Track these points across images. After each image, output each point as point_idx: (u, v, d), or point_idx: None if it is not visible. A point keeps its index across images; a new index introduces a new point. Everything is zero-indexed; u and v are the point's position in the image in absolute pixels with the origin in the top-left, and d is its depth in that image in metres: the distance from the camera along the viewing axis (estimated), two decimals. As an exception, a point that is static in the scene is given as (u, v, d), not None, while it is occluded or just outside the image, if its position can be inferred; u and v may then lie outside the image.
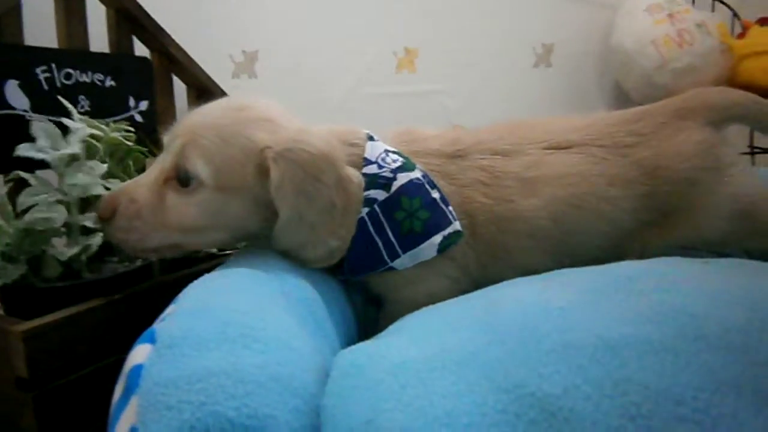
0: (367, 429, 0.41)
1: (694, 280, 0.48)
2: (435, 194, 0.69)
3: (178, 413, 0.41)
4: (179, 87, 1.22)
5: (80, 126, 0.77)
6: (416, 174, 0.70)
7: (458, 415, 0.38)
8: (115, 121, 0.97)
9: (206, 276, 0.63)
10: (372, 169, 0.70)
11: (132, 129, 0.88)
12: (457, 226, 0.69)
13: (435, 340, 0.49)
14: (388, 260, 0.69)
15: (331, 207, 0.65)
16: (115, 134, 0.88)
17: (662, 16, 1.52)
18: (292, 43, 1.59)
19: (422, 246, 0.68)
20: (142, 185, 0.67)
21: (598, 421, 0.35)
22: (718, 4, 1.77)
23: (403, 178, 0.69)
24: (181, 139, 0.66)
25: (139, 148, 0.92)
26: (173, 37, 1.20)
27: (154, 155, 1.05)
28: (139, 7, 1.07)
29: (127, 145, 0.89)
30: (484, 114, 1.73)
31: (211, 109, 0.70)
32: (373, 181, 0.69)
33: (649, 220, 0.74)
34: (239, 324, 0.52)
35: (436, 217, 0.69)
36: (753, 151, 1.70)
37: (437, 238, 0.68)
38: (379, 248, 0.69)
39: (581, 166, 0.73)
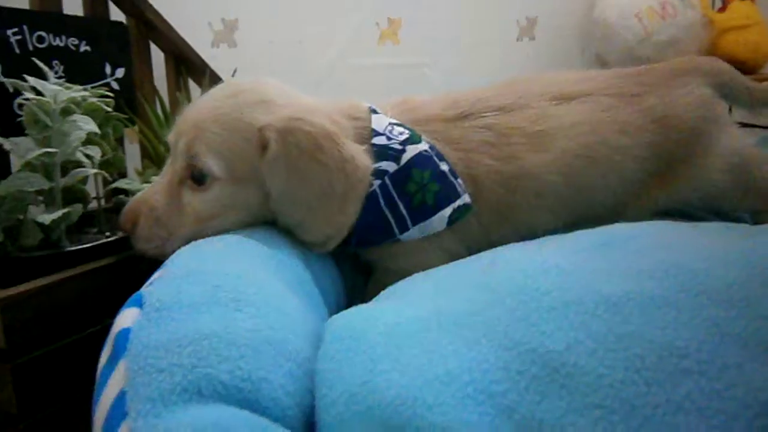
0: (363, 390, 0.40)
1: (690, 239, 0.48)
2: (444, 166, 0.68)
3: (169, 376, 0.40)
4: (158, 55, 1.18)
5: (58, 90, 0.73)
6: (424, 146, 0.68)
7: (458, 373, 0.38)
8: (92, 88, 0.94)
9: (195, 242, 0.61)
10: (381, 140, 0.68)
11: (111, 95, 0.85)
12: (466, 198, 0.68)
13: (429, 303, 0.48)
14: (398, 233, 0.68)
15: (330, 190, 0.63)
16: (94, 99, 0.84)
17: (646, -12, 1.52)
18: (273, 12, 1.54)
19: (432, 219, 0.67)
20: (157, 191, 0.66)
21: (603, 374, 0.35)
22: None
23: (412, 150, 0.68)
24: (185, 137, 0.65)
25: (119, 115, 0.89)
26: (154, 5, 1.15)
27: (133, 123, 1.02)
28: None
29: (107, 111, 0.85)
30: (468, 86, 1.71)
31: (208, 100, 0.67)
32: (382, 152, 0.67)
33: (655, 170, 0.75)
34: (231, 288, 0.51)
35: (446, 189, 0.67)
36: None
37: (447, 211, 0.67)
38: (390, 222, 0.67)
39: (591, 114, 0.73)
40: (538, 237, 0.62)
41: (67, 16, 0.96)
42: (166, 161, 0.70)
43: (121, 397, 0.38)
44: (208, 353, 0.42)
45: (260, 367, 0.44)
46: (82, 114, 0.81)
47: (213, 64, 1.40)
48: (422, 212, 0.67)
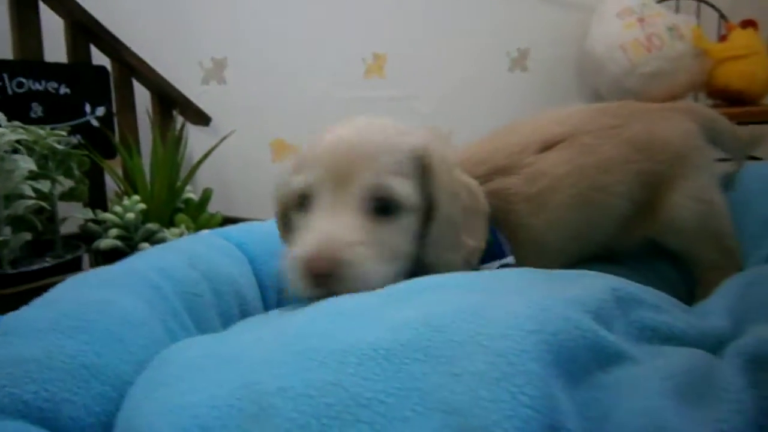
0: (129, 416, 0.46)
1: (461, 295, 0.51)
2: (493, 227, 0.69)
3: (-17, 392, 0.47)
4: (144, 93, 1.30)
5: (4, 131, 0.85)
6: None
7: (193, 406, 0.43)
8: (70, 126, 1.06)
9: (89, 271, 0.69)
10: None
11: (64, 134, 0.96)
12: (511, 260, 0.68)
13: (233, 338, 0.53)
14: None
15: (465, 207, 0.64)
16: (52, 139, 0.96)
17: (632, 20, 1.50)
18: (261, 50, 1.64)
19: (484, 267, 0.67)
20: (346, 227, 0.57)
21: (292, 418, 0.39)
22: (705, 6, 1.72)
23: None
24: (365, 171, 0.58)
25: (78, 152, 1.00)
26: (144, 43, 1.28)
27: (111, 156, 1.14)
28: (94, 19, 1.14)
29: (65, 150, 0.97)
30: (458, 119, 1.74)
31: (358, 137, 0.61)
32: None
33: (643, 199, 0.76)
34: (75, 315, 0.58)
35: (498, 245, 0.69)
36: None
37: (495, 264, 0.68)
38: None
39: (576, 159, 0.74)
40: None
41: (48, 63, 1.09)
42: (316, 207, 0.60)
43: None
44: (20, 376, 0.50)
45: (67, 389, 0.51)
46: (42, 152, 0.93)
47: (203, 100, 1.52)
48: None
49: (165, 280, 0.71)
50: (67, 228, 1.12)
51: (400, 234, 0.60)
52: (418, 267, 0.62)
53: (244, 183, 1.58)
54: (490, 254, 0.68)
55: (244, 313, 0.77)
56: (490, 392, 0.37)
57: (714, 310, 0.60)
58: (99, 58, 1.20)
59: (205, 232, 0.97)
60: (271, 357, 0.46)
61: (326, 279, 0.55)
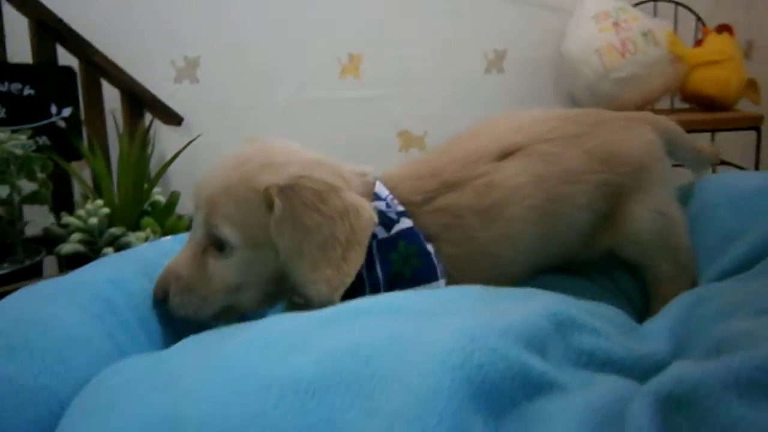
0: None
1: (393, 322, 0.51)
2: (430, 248, 0.69)
3: None
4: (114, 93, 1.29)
5: (-45, 137, 0.84)
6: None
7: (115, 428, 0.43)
8: (34, 128, 1.05)
9: (38, 284, 0.69)
10: (381, 205, 0.69)
11: (44, 135, 0.94)
12: (442, 284, 0.69)
13: (168, 361, 0.53)
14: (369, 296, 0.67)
15: (332, 240, 0.64)
16: (12, 143, 0.94)
17: (608, 24, 1.49)
18: (234, 48, 1.63)
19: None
20: (183, 261, 0.68)
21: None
22: (683, 10, 1.72)
23: (404, 223, 0.69)
24: (203, 210, 0.67)
25: (42, 155, 0.99)
26: (116, 42, 1.26)
27: (78, 157, 1.13)
28: (59, 19, 1.13)
29: (24, 154, 0.96)
30: (433, 119, 1.74)
31: (219, 172, 0.69)
32: (378, 216, 0.68)
33: (604, 210, 0.76)
34: (15, 335, 0.58)
35: (427, 268, 0.68)
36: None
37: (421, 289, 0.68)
38: (364, 283, 0.68)
39: (533, 170, 0.73)
40: None
41: (11, 64, 1.08)
42: (189, 232, 0.72)
43: None
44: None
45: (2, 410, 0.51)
46: (1, 156, 0.92)
47: (176, 98, 1.50)
48: (398, 283, 0.68)
49: (117, 293, 0.70)
50: (34, 230, 1.11)
51: (232, 267, 0.66)
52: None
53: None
54: (420, 277, 0.68)
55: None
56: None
57: (656, 333, 0.61)
58: (68, 58, 1.18)
59: (167, 238, 0.96)
60: (197, 386, 0.46)
61: (162, 302, 0.68)
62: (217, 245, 0.66)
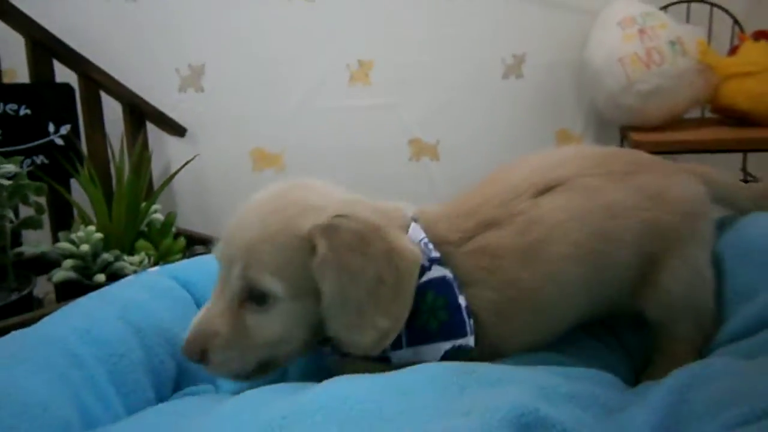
0: None
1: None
2: (461, 301, 0.65)
3: None
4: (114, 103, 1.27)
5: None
6: (448, 272, 0.66)
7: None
8: (29, 148, 1.05)
9: (3, 338, 0.68)
10: None
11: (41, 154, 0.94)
12: (470, 342, 0.65)
13: None
14: (389, 349, 0.64)
15: (378, 284, 0.61)
16: (1, 172, 0.94)
17: (633, 31, 1.39)
18: (240, 56, 1.59)
19: (429, 346, 0.65)
20: (217, 316, 0.64)
21: None
22: (718, 11, 1.60)
23: (436, 272, 0.66)
24: (239, 261, 0.63)
25: (32, 183, 0.98)
26: (118, 52, 1.25)
27: (76, 174, 1.12)
28: (54, 37, 1.11)
29: (13, 185, 0.95)
30: (446, 127, 1.68)
31: (253, 218, 0.65)
32: None
33: (650, 251, 0.71)
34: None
35: (454, 323, 0.65)
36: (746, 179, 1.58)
37: (446, 345, 0.64)
38: None
39: (577, 205, 0.69)
40: None
41: (7, 84, 1.07)
42: (216, 283, 0.67)
43: None
44: None
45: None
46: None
47: (180, 108, 1.48)
48: (421, 336, 0.65)
49: (85, 345, 0.69)
50: (34, 250, 1.11)
51: (275, 321, 0.63)
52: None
53: (223, 192, 1.55)
54: (445, 332, 0.64)
55: (180, 361, 0.76)
56: None
57: (638, 424, 0.56)
58: (66, 74, 1.16)
59: (153, 270, 0.95)
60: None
61: (198, 361, 0.64)
62: (258, 298, 0.63)
